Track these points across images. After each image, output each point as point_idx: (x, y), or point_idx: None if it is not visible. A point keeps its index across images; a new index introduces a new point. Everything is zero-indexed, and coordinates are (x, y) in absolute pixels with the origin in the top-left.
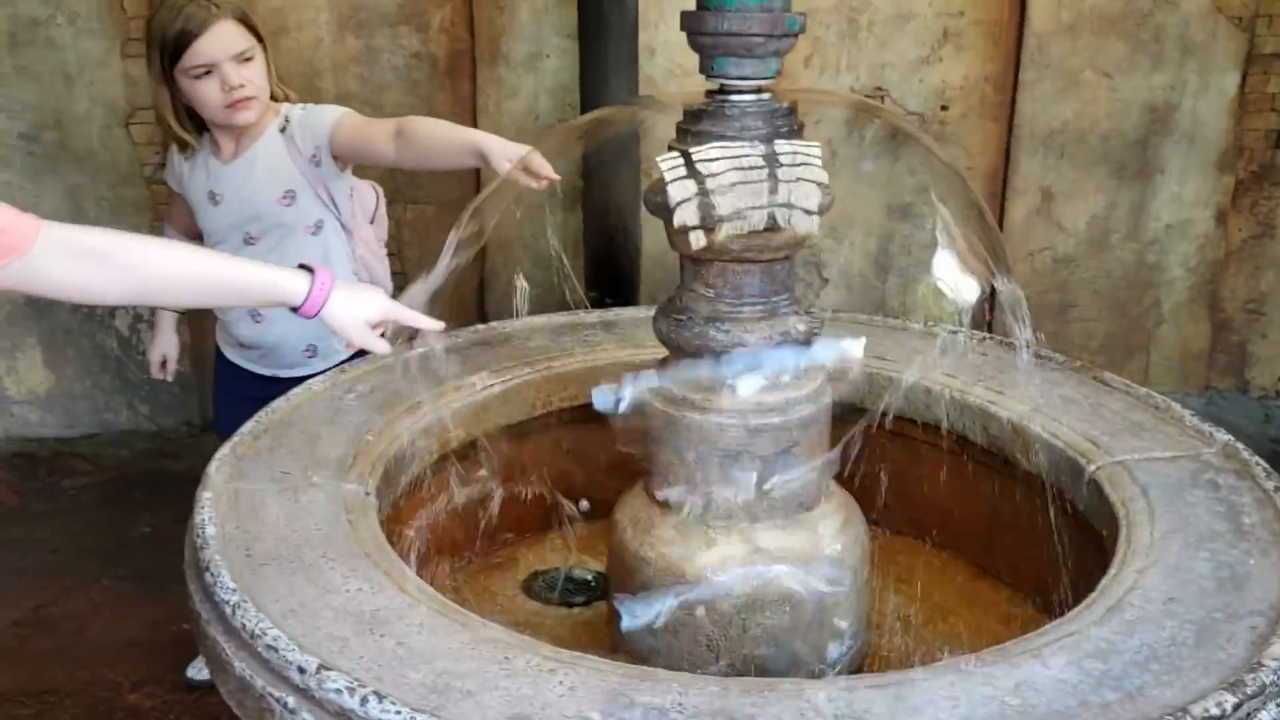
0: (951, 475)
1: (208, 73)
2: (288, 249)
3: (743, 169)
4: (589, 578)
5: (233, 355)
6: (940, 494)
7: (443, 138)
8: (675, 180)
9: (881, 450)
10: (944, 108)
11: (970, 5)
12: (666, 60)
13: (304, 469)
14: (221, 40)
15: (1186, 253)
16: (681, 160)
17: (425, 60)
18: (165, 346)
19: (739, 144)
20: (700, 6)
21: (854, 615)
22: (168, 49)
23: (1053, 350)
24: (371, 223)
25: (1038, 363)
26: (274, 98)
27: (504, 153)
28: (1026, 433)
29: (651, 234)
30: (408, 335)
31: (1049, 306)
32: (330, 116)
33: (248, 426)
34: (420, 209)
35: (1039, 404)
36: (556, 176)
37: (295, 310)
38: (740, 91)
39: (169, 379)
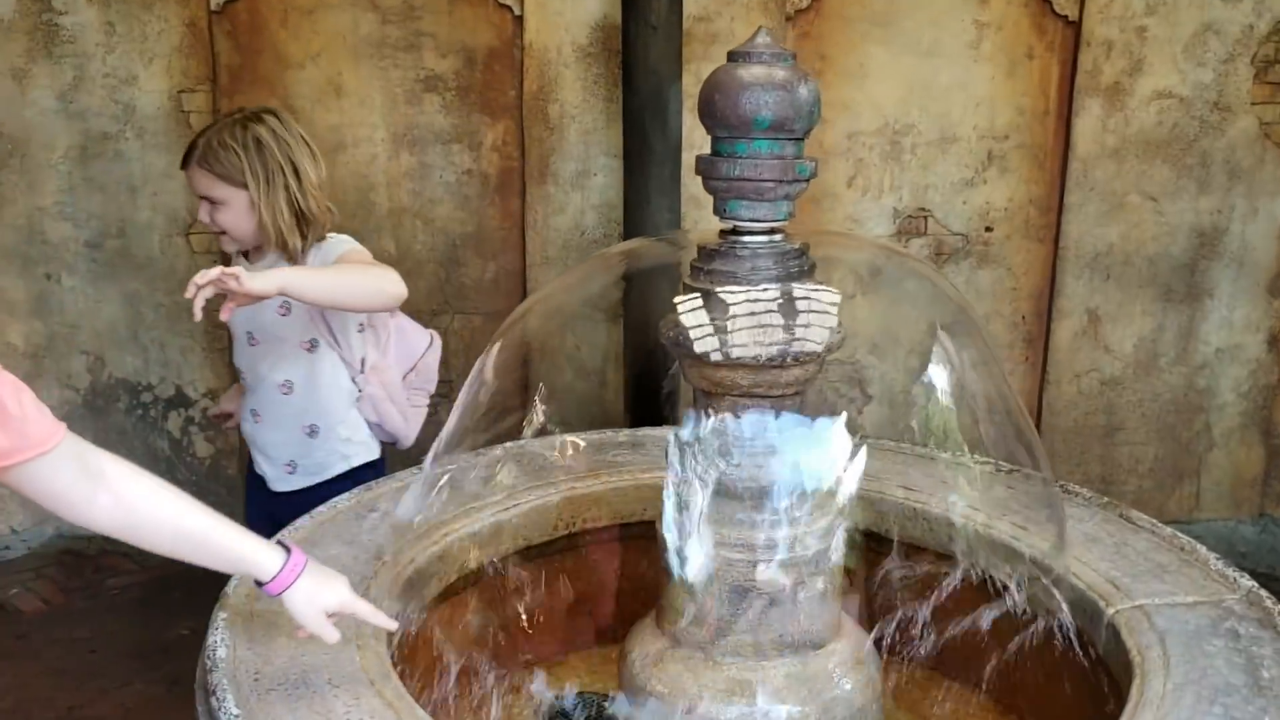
0: (972, 610)
1: None
2: (282, 360)
3: (755, 310)
4: (607, 703)
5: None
6: (961, 629)
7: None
8: (691, 319)
9: (904, 582)
10: (988, 229)
11: (1014, 129)
12: None
13: None
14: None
15: (1238, 377)
16: (698, 299)
17: (476, 177)
18: (232, 407)
19: (753, 286)
20: (714, 152)
21: None
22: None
23: (1101, 472)
24: (412, 369)
25: (1063, 497)
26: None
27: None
28: (1048, 572)
29: None
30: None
31: (1096, 429)
32: (340, 249)
33: None
34: (467, 318)
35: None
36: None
37: (260, 585)
38: (752, 233)
39: (225, 428)
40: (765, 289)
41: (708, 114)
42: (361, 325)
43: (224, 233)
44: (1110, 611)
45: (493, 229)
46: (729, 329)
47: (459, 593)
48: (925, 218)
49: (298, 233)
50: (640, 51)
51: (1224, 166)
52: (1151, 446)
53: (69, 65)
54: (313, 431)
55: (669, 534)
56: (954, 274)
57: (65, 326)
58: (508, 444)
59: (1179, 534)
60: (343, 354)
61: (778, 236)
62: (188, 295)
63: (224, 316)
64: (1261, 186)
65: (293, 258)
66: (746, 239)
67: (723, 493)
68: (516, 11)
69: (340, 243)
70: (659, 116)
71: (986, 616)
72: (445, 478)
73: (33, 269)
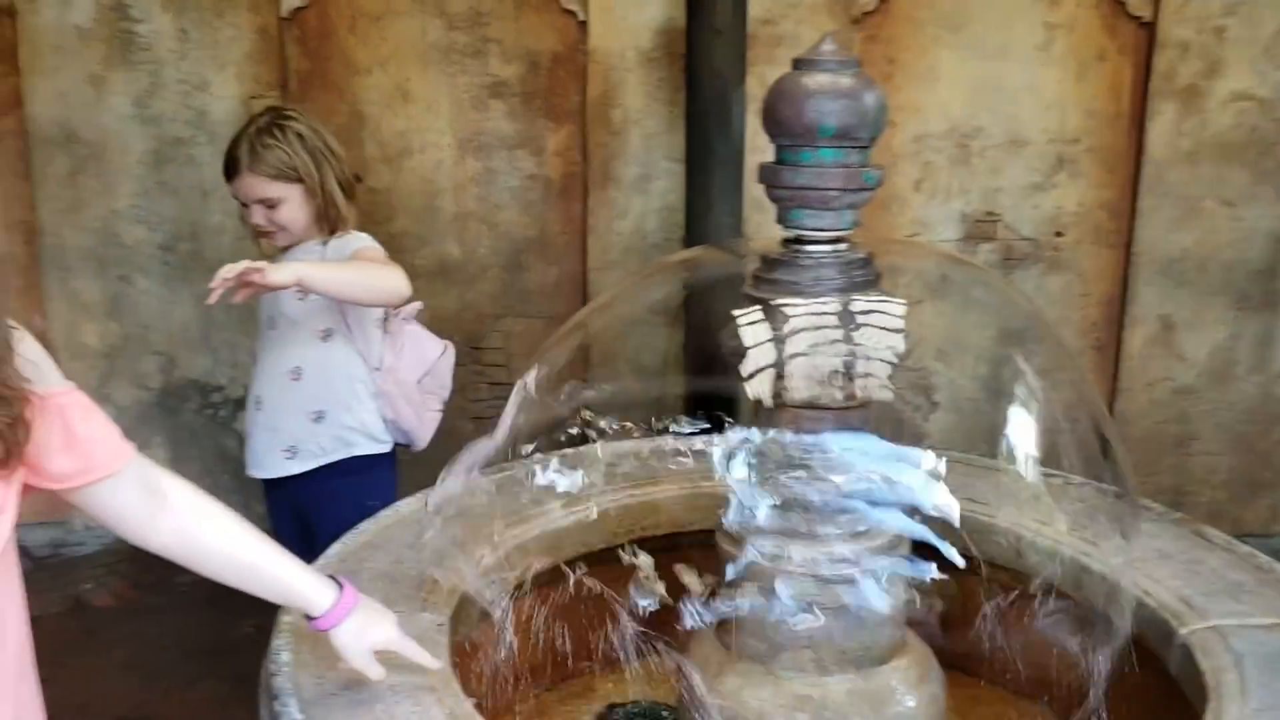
0: (1037, 626)
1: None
2: (295, 346)
3: (817, 322)
4: (665, 713)
5: None
6: (1030, 645)
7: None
8: (750, 331)
9: (971, 597)
10: (1058, 234)
11: (1086, 133)
12: None
13: (384, 595)
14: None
15: None
16: (758, 310)
17: (540, 181)
18: None
19: (815, 297)
20: (777, 160)
21: None
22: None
23: (1173, 483)
24: (427, 374)
25: (1135, 512)
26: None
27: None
28: (1119, 589)
29: None
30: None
31: (1168, 438)
32: (357, 244)
33: (335, 549)
34: (530, 322)
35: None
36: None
37: (310, 619)
38: (816, 242)
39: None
40: (828, 301)
41: (771, 122)
42: (379, 324)
43: (279, 230)
44: (1184, 631)
45: (555, 233)
46: (790, 342)
47: (519, 598)
48: (994, 222)
49: (348, 205)
50: (704, 55)
51: None
52: (1226, 457)
53: (144, 72)
54: (319, 417)
55: (728, 547)
56: (1023, 280)
57: (138, 328)
58: (566, 450)
59: (1257, 552)
60: (358, 346)
61: (842, 246)
62: (212, 285)
63: (238, 299)
64: None
65: (336, 230)
66: (810, 248)
67: (784, 505)
68: (581, 17)
69: (357, 238)
70: (722, 120)
71: (1052, 632)
72: (502, 483)
73: (108, 271)
